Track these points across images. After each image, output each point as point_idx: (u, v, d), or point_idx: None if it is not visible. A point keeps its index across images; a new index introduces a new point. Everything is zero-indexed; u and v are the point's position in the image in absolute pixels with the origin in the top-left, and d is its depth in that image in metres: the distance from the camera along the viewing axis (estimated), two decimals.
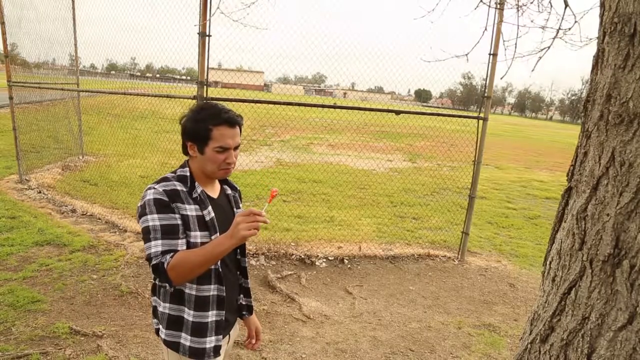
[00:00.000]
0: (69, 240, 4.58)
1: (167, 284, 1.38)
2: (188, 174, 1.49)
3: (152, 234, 1.37)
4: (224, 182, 1.68)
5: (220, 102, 1.56)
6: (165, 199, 1.39)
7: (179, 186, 1.45)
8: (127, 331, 3.14)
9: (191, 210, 1.44)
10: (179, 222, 1.41)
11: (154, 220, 1.37)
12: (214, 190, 1.59)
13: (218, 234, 1.49)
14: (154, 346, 2.98)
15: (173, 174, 1.49)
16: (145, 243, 1.38)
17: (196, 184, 1.49)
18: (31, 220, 5.04)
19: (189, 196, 1.46)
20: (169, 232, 1.38)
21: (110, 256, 4.32)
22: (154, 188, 1.41)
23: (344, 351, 3.15)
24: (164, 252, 1.36)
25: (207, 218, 1.47)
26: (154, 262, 1.35)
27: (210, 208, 1.50)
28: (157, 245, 1.36)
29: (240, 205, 1.72)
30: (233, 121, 1.47)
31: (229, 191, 1.68)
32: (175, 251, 1.38)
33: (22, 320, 3.12)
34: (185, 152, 1.53)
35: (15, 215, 5.15)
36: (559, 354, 1.07)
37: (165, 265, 1.33)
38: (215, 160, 1.47)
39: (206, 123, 1.44)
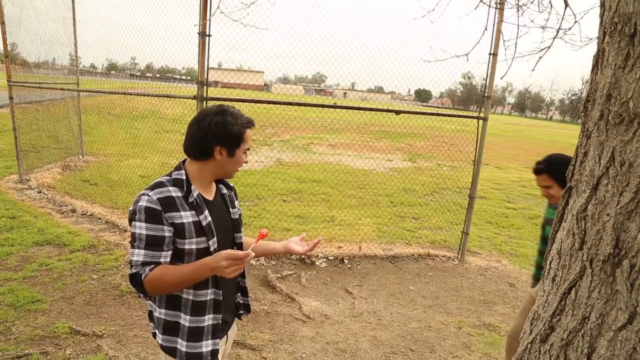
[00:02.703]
0: (69, 240, 4.58)
1: (141, 294, 1.40)
2: (184, 177, 1.47)
3: (137, 242, 1.38)
4: (218, 181, 1.65)
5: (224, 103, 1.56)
6: (158, 208, 1.38)
7: (174, 192, 1.43)
8: (127, 331, 3.14)
9: (187, 216, 1.42)
10: (167, 234, 1.39)
11: (141, 228, 1.38)
12: (210, 192, 1.57)
13: (215, 238, 1.48)
14: (154, 346, 2.98)
15: (168, 178, 1.47)
16: (130, 248, 1.41)
17: (192, 187, 1.47)
18: (31, 220, 5.04)
19: (185, 201, 1.44)
20: (153, 243, 1.38)
21: (110, 256, 4.32)
22: (148, 195, 1.39)
23: (344, 351, 3.15)
24: (144, 263, 1.37)
25: (204, 223, 1.46)
26: (132, 270, 1.37)
27: (206, 212, 1.48)
28: (139, 255, 1.38)
29: (236, 204, 1.70)
30: (253, 123, 1.54)
31: (225, 190, 1.66)
32: (157, 263, 1.39)
33: (22, 320, 3.12)
34: (205, 155, 1.49)
35: (15, 215, 5.15)
36: (559, 354, 1.07)
37: (142, 277, 1.36)
38: (240, 161, 1.53)
39: (240, 126, 1.48)
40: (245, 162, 1.57)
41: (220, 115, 1.46)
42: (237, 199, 1.74)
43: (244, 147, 1.51)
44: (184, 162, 1.53)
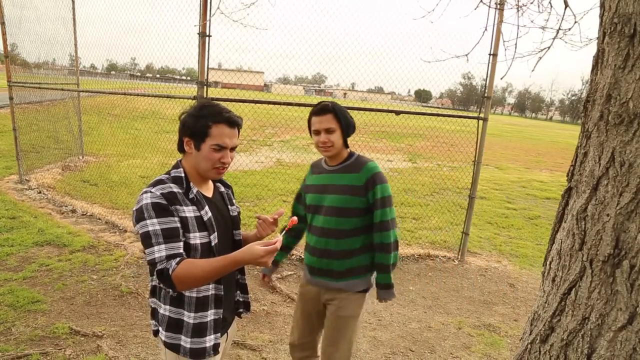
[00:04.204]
0: (69, 240, 4.58)
1: (170, 290, 1.38)
2: (182, 174, 1.49)
3: (153, 239, 1.36)
4: (216, 179, 1.67)
5: (222, 103, 1.57)
6: (164, 202, 1.39)
7: (175, 188, 1.45)
8: (127, 331, 3.14)
9: (189, 211, 1.44)
10: (179, 224, 1.40)
11: (153, 224, 1.36)
12: (208, 190, 1.60)
13: (216, 233, 1.50)
14: (153, 346, 2.98)
15: (167, 176, 1.49)
16: (146, 248, 1.37)
17: (191, 184, 1.49)
18: (31, 220, 5.04)
19: (186, 197, 1.46)
20: (170, 235, 1.38)
21: (110, 256, 4.32)
22: (151, 191, 1.40)
23: None
24: (168, 257, 1.36)
25: (205, 218, 1.48)
26: (159, 267, 1.35)
27: (207, 208, 1.51)
28: (160, 250, 1.36)
29: (234, 202, 1.72)
30: (233, 121, 1.49)
31: (222, 189, 1.69)
32: (179, 255, 1.38)
33: (22, 320, 3.11)
34: (181, 148, 1.53)
35: (15, 215, 5.15)
36: (559, 354, 1.07)
37: (170, 272, 1.33)
38: (210, 158, 1.47)
39: (207, 120, 1.45)
40: (224, 163, 1.50)
41: (198, 109, 1.48)
42: (234, 198, 1.75)
43: (211, 142, 1.45)
44: (180, 161, 1.56)
